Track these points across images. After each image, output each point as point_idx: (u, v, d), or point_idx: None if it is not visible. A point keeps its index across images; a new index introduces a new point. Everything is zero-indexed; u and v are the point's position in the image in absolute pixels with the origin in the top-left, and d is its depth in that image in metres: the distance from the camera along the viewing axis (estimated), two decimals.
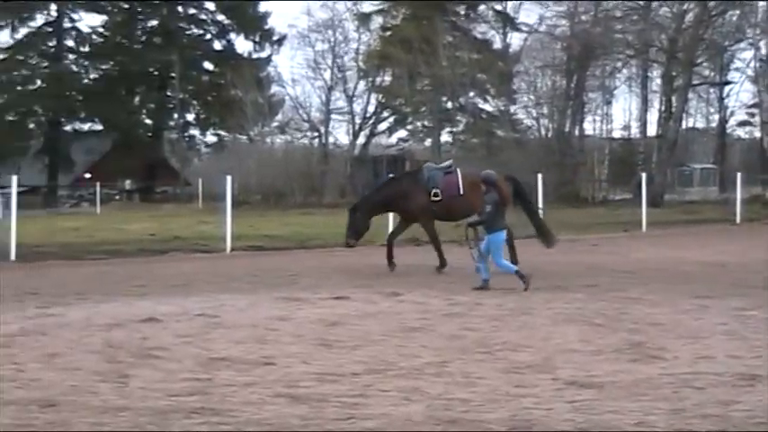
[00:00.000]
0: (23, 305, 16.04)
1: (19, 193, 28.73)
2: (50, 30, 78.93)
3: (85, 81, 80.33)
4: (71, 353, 11.63)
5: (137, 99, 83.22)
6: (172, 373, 10.35)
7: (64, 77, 77.17)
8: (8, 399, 9.22)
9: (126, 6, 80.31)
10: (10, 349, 11.90)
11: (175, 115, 79.96)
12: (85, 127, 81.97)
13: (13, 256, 25.10)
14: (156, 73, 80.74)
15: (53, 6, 78.62)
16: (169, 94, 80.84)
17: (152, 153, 79.90)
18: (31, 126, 78.71)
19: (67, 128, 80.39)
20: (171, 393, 9.33)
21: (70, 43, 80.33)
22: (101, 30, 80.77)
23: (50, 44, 79.11)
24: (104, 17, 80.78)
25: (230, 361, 10.88)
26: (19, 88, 76.95)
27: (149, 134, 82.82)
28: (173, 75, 76.83)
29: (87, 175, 76.33)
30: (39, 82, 78.09)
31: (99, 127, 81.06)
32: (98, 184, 66.21)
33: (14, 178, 28.10)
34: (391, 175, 26.10)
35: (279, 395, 9.19)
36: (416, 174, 23.17)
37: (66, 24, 79.53)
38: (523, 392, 9.28)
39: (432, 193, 22.02)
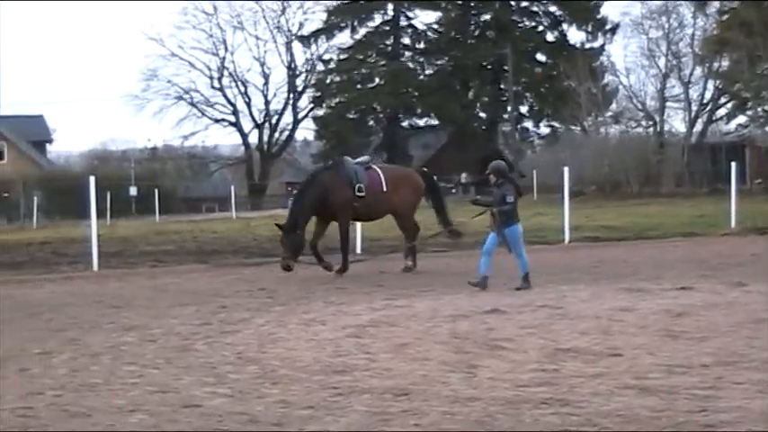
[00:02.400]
0: (371, 297, 16.54)
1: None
2: (388, 28, 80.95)
3: (421, 77, 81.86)
4: (419, 343, 11.89)
5: (471, 93, 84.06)
6: (519, 363, 10.42)
7: (401, 74, 78.91)
8: (363, 387, 9.53)
9: (460, 2, 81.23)
10: (361, 339, 12.31)
11: (509, 108, 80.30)
12: (422, 122, 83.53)
13: (359, 248, 25.89)
14: (489, 66, 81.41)
15: (390, 6, 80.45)
16: (502, 87, 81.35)
17: (486, 146, 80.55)
18: (371, 123, 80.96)
19: (405, 123, 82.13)
20: (519, 384, 9.39)
21: (406, 41, 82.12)
22: (435, 26, 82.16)
23: (388, 42, 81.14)
24: (439, 14, 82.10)
25: (576, 352, 10.85)
26: (359, 87, 79.34)
27: (484, 127, 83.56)
28: (506, 68, 77.27)
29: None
30: (377, 80, 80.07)
31: (435, 122, 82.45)
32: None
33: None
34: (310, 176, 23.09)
35: (627, 386, 9.08)
36: (338, 167, 21.28)
37: (403, 22, 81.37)
38: None
39: (356, 188, 20.42)
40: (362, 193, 20.36)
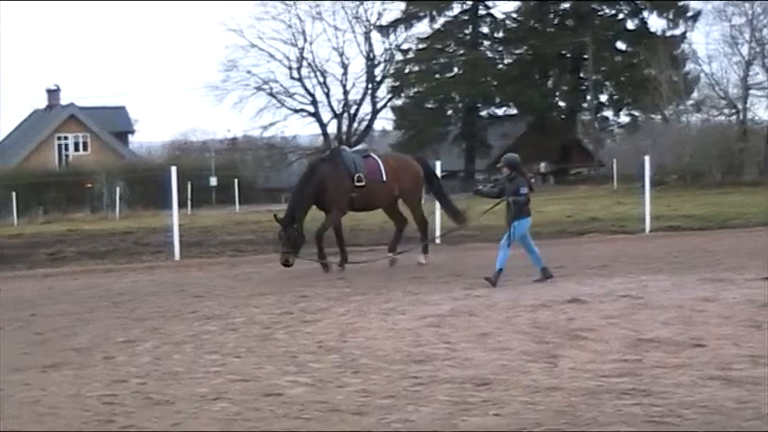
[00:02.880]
0: (450, 287, 16.51)
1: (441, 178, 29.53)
2: (466, 18, 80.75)
3: (500, 66, 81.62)
4: (499, 333, 11.86)
5: (550, 82, 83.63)
6: (600, 353, 10.35)
7: (479, 64, 78.71)
8: (443, 377, 9.53)
9: None
10: (441, 329, 12.31)
11: (588, 97, 79.74)
12: (500, 112, 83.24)
13: (438, 240, 25.81)
14: (568, 55, 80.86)
15: None
16: (582, 75, 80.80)
17: (566, 135, 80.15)
18: (449, 113, 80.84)
19: (483, 113, 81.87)
20: (601, 374, 9.33)
21: (485, 30, 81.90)
22: (514, 15, 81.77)
23: (466, 32, 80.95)
24: (518, 2, 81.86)
25: (658, 342, 10.74)
26: (437, 76, 79.27)
27: (563, 116, 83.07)
28: (585, 56, 76.73)
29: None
30: (455, 69, 79.94)
31: (513, 111, 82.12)
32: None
33: (438, 163, 28.98)
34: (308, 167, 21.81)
35: (711, 377, 8.99)
36: (335, 157, 20.37)
37: (481, 12, 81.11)
38: None
39: (355, 178, 19.66)
40: (362, 183, 19.69)
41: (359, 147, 21.95)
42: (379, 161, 20.31)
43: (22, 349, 11.93)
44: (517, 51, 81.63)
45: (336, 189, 19.58)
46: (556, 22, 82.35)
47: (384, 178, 19.95)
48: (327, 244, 20.22)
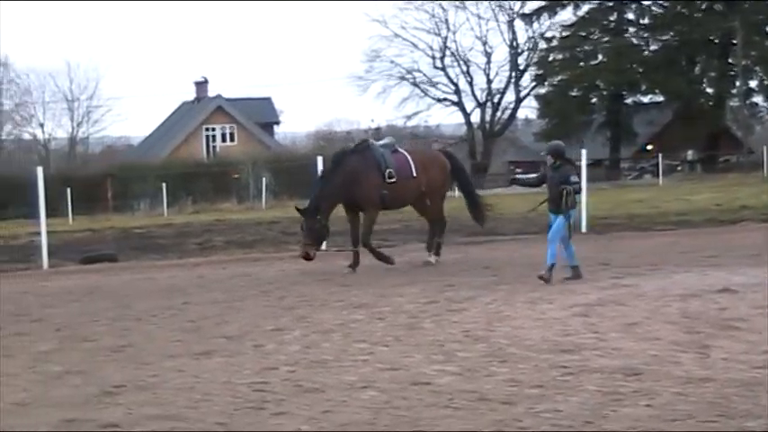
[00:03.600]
0: (597, 276, 16.36)
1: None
2: (611, 4, 79.53)
3: (645, 53, 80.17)
4: (649, 322, 11.74)
5: (697, 68, 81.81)
6: (753, 344, 10.16)
7: (624, 51, 77.44)
8: (592, 366, 9.46)
9: None
10: (589, 318, 12.22)
11: (737, 83, 77.86)
12: (646, 99, 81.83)
13: (584, 228, 25.64)
14: (716, 41, 79.07)
15: None
16: (730, 61, 78.87)
17: (714, 122, 78.40)
18: (594, 100, 79.84)
19: (628, 101, 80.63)
20: (755, 365, 9.16)
21: (630, 16, 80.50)
22: (660, 1, 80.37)
23: (611, 18, 79.76)
24: None
25: None
26: (581, 64, 78.30)
27: (710, 103, 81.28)
28: (734, 41, 74.93)
29: (649, 147, 76.43)
30: (600, 56, 78.87)
31: (659, 98, 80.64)
32: (659, 155, 65.95)
33: (583, 152, 28.70)
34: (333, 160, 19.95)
35: None
36: (365, 152, 19.07)
37: None
38: None
39: (387, 174, 18.52)
40: (393, 179, 18.56)
41: (385, 140, 20.39)
42: (408, 156, 19.25)
43: (175, 336, 12.20)
44: (663, 37, 79.98)
45: (368, 185, 18.43)
46: (703, 7, 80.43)
47: (414, 173, 18.92)
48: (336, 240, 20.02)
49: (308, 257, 18.22)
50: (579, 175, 16.22)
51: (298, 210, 18.58)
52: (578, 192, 16.09)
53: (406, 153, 19.33)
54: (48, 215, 22.33)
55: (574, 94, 77.89)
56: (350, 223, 19.23)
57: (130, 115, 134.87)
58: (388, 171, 18.43)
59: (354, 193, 18.37)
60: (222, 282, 18.15)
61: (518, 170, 17.79)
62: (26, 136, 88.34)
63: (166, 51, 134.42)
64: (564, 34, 79.59)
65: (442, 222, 19.86)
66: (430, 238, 19.81)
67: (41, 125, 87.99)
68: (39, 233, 23.11)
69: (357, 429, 7.71)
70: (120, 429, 7.93)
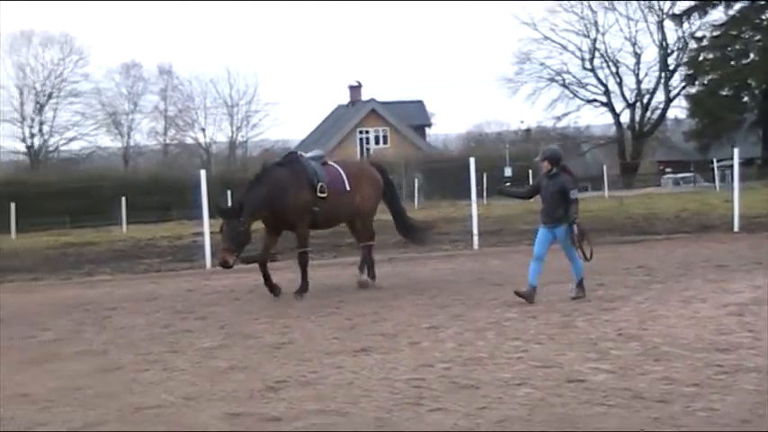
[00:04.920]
0: (752, 275, 16.00)
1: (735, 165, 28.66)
2: (763, 2, 77.68)
3: None
4: None
5: None
6: None
7: None
8: (748, 366, 9.27)
9: None
10: (744, 317, 11.97)
11: None
12: None
13: (736, 227, 25.12)
14: None
15: None
16: None
17: None
18: (745, 99, 78.05)
19: None
20: None
21: None
22: None
23: (763, 17, 77.84)
24: None
25: None
26: (732, 63, 76.67)
27: None
28: None
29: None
30: (752, 55, 77.07)
31: None
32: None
33: (735, 151, 28.14)
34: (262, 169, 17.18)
35: None
36: (294, 163, 16.74)
37: None
38: None
39: (318, 189, 16.35)
40: (324, 194, 16.41)
41: (313, 153, 18.00)
42: (340, 169, 17.16)
43: (333, 334, 12.31)
44: None
45: (297, 201, 16.25)
46: None
47: (348, 188, 16.88)
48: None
49: (226, 264, 15.71)
50: (577, 186, 14.42)
51: (220, 210, 16.50)
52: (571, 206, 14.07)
53: (337, 166, 17.28)
54: (210, 216, 22.73)
55: (725, 93, 76.32)
56: (265, 245, 16.90)
57: (287, 119, 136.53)
58: (320, 185, 16.39)
59: (282, 208, 16.17)
60: (378, 279, 18.13)
61: (507, 183, 16.72)
62: (189, 140, 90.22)
63: (322, 56, 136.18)
64: (715, 33, 78.08)
65: (371, 239, 17.72)
66: (363, 262, 17.65)
67: (203, 129, 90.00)
68: (201, 234, 23.62)
69: (513, 426, 7.68)
70: (282, 423, 8.05)
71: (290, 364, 10.36)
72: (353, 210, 17.20)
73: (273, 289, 16.10)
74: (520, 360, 10.02)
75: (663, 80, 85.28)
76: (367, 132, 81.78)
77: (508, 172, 69.11)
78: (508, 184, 16.37)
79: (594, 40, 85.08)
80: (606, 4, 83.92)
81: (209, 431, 7.98)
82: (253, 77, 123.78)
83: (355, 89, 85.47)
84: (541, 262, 14.14)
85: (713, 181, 60.67)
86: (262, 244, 16.89)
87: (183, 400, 9.00)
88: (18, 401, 9.26)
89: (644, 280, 16.16)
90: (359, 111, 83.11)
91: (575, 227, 13.96)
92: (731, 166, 31.66)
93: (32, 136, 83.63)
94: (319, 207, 16.35)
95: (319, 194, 16.31)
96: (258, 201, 15.89)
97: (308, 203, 16.25)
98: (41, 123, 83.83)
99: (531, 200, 15.59)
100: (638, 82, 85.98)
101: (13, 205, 48.38)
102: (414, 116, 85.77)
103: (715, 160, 61.47)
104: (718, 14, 78.39)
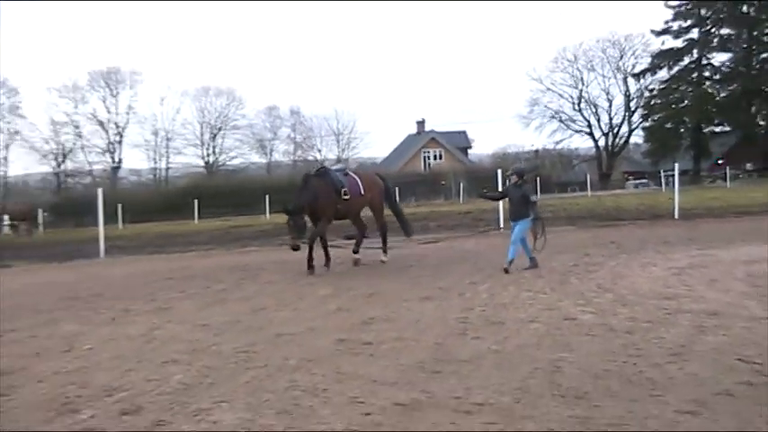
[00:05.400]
0: (688, 248, 15.65)
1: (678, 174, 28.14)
2: (693, 66, 76.08)
3: (717, 98, 76.48)
4: (724, 279, 11.16)
5: (753, 108, 77.44)
6: None
7: (703, 97, 74.08)
8: (684, 309, 9.05)
9: (745, 46, 74.95)
10: (682, 276, 11.71)
11: None
12: (718, 129, 78.21)
13: (676, 216, 24.59)
14: (767, 89, 74.56)
15: (695, 51, 75.77)
16: None
17: (766, 144, 73.96)
18: (682, 131, 76.61)
19: (706, 130, 77.07)
20: None
21: (707, 74, 76.92)
22: (727, 63, 76.54)
23: (694, 76, 76.19)
24: (730, 54, 76.42)
25: None
26: (674, 106, 75.47)
27: (763, 131, 76.77)
28: None
29: (720, 161, 72.98)
30: (686, 101, 75.62)
31: (727, 128, 76.94)
32: (727, 167, 62.94)
33: (676, 165, 27.75)
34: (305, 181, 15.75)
35: None
36: (324, 175, 15.69)
37: (704, 62, 76.33)
38: None
39: (342, 192, 15.53)
40: (347, 196, 15.68)
41: (337, 166, 17.23)
42: (358, 178, 16.32)
43: (405, 287, 12.22)
44: (730, 87, 76.10)
45: (326, 200, 15.36)
46: (758, 66, 76.01)
47: (362, 192, 16.10)
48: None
49: (296, 248, 14.76)
50: (536, 192, 13.92)
51: (286, 210, 15.12)
52: (533, 205, 13.74)
53: (354, 176, 16.43)
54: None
55: (669, 126, 75.43)
56: (315, 228, 15.59)
57: (375, 142, 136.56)
58: (343, 189, 15.65)
59: (316, 207, 15.22)
60: (436, 252, 18.08)
61: (485, 190, 16.35)
62: (309, 158, 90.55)
63: (397, 98, 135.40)
64: (661, 86, 77.20)
65: (385, 229, 16.82)
66: (357, 244, 16.70)
67: (319, 150, 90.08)
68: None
69: (528, 349, 7.56)
70: (373, 346, 8.00)
71: (377, 307, 10.29)
72: (365, 206, 16.45)
73: (311, 264, 14.87)
74: (531, 305, 9.86)
75: (627, 117, 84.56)
76: (428, 152, 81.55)
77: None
78: (485, 189, 15.58)
79: (581, 90, 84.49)
80: (588, 66, 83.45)
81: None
82: (352, 114, 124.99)
83: (420, 123, 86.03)
84: (517, 244, 13.53)
85: (661, 185, 59.42)
86: (310, 231, 15.48)
87: (307, 330, 8.98)
88: (200, 329, 9.33)
89: (615, 251, 15.86)
90: (423, 138, 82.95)
91: (539, 221, 13.73)
92: (673, 175, 30.97)
93: (208, 155, 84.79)
94: (342, 205, 15.60)
95: (343, 197, 15.56)
96: (306, 202, 15.02)
97: (333, 202, 15.42)
98: (214, 147, 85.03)
99: (500, 202, 15.39)
100: (611, 119, 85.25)
101: (195, 201, 49.09)
102: (459, 141, 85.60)
103: (662, 171, 60.26)
104: (663, 74, 77.68)
